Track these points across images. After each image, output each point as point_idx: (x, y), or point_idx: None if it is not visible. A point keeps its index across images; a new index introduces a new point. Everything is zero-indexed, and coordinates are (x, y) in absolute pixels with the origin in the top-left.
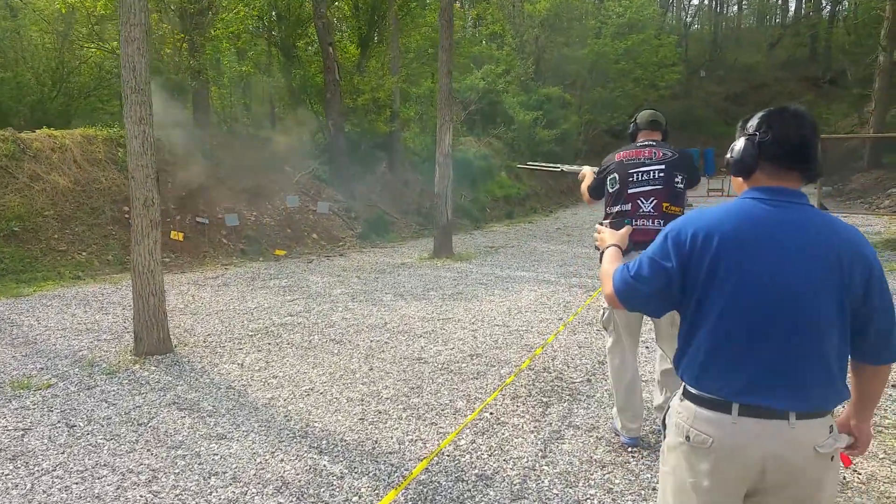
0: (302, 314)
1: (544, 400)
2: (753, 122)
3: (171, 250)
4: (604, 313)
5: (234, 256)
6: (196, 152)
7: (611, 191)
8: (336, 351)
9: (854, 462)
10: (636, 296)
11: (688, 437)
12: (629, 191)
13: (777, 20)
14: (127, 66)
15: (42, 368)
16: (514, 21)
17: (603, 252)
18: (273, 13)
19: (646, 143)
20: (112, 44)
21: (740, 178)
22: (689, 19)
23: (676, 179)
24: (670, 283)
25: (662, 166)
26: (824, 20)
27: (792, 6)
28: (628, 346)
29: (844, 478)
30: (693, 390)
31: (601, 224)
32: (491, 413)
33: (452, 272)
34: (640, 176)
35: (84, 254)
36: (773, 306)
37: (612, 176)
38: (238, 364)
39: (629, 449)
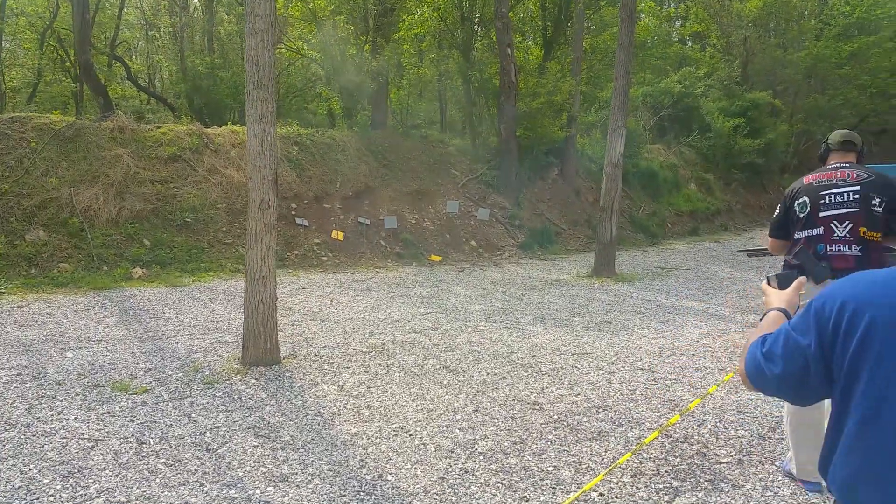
0: (427, 331)
1: (674, 484)
2: None
3: (330, 249)
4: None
5: (389, 259)
6: (368, 153)
7: (800, 215)
8: (446, 381)
9: None
10: (766, 379)
11: None
12: (821, 214)
13: None
14: (250, 59)
15: (150, 369)
16: (721, 20)
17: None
18: (457, 13)
19: (838, 165)
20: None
21: None
22: None
23: (874, 202)
24: (807, 367)
25: (858, 187)
26: None
27: None
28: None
29: None
30: (834, 488)
31: (769, 281)
32: (601, 494)
33: (608, 295)
34: (832, 198)
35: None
36: None
37: (800, 199)
38: (338, 386)
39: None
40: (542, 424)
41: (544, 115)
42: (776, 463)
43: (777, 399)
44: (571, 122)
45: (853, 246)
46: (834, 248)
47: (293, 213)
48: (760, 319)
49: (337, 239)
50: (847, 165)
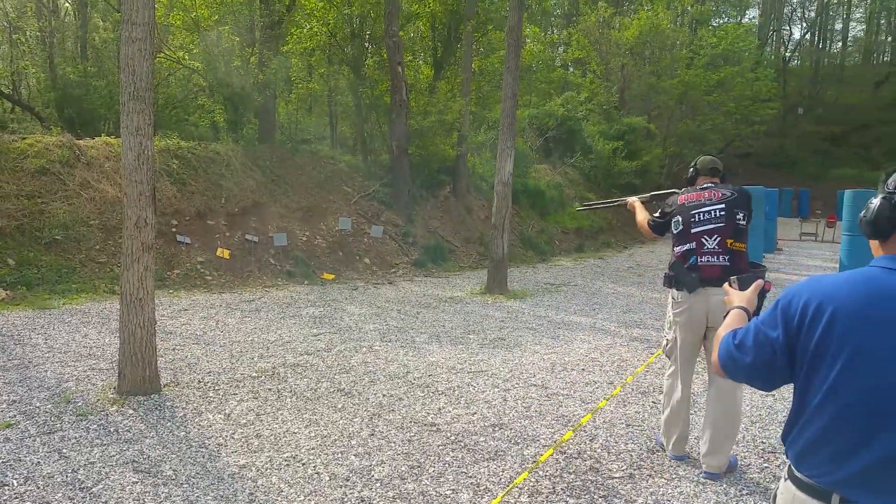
0: (320, 353)
1: (570, 502)
2: (893, 180)
3: (216, 268)
4: (667, 343)
5: (279, 278)
6: (255, 168)
7: (675, 232)
8: (340, 405)
9: None
10: (738, 366)
11: None
12: (692, 230)
13: (886, 58)
14: (126, 68)
15: (14, 401)
16: (601, 48)
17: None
18: (347, 30)
19: (706, 185)
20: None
21: (876, 242)
22: (787, 54)
23: (738, 217)
24: (774, 356)
25: (723, 205)
26: None
27: None
28: (682, 375)
29: None
30: (795, 471)
31: (730, 282)
32: None
33: (501, 312)
34: (701, 216)
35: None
36: (891, 393)
37: (675, 219)
38: (225, 414)
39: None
40: (439, 446)
41: (435, 134)
42: (663, 451)
43: (657, 413)
44: (462, 140)
45: (721, 256)
46: (704, 259)
47: (174, 230)
48: (724, 316)
49: (222, 257)
50: (712, 185)
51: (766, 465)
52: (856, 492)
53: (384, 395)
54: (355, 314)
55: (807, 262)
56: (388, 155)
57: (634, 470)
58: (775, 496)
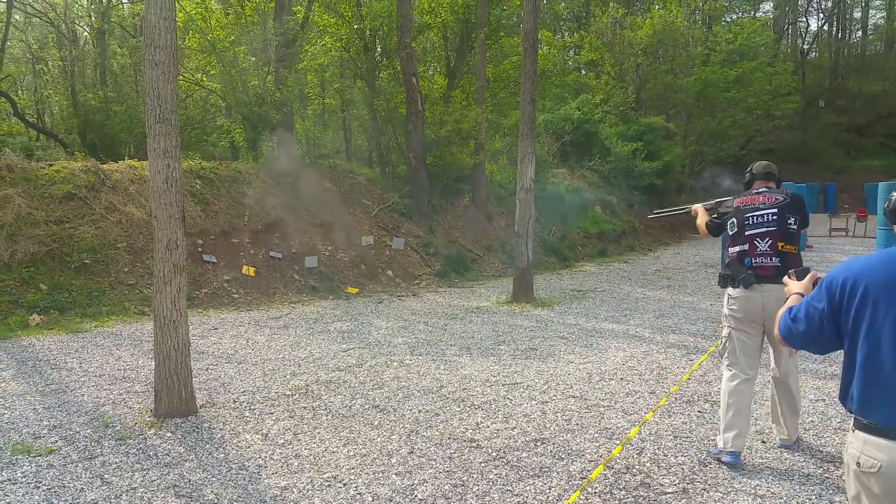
0: (352, 369)
1: None
2: None
3: (242, 286)
4: (723, 342)
5: (304, 293)
6: (275, 185)
7: (730, 233)
8: (377, 422)
9: None
10: (794, 335)
11: (858, 464)
12: (746, 233)
13: None
14: (151, 92)
15: (55, 426)
16: (614, 49)
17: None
18: (360, 44)
19: (760, 189)
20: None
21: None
22: (805, 46)
23: (789, 221)
24: (822, 323)
25: (776, 210)
26: None
27: None
28: (742, 369)
29: None
30: (863, 420)
31: (789, 275)
32: None
33: (530, 321)
34: (755, 219)
35: (152, 288)
36: None
37: (731, 221)
38: (262, 434)
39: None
40: (481, 463)
41: (452, 143)
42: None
43: (710, 423)
44: (479, 149)
45: (773, 258)
46: (758, 261)
47: (200, 249)
48: (786, 300)
49: (248, 275)
50: (766, 190)
51: (826, 476)
52: None
53: (420, 411)
54: (383, 328)
55: (839, 258)
56: (405, 166)
57: (688, 484)
58: (846, 450)
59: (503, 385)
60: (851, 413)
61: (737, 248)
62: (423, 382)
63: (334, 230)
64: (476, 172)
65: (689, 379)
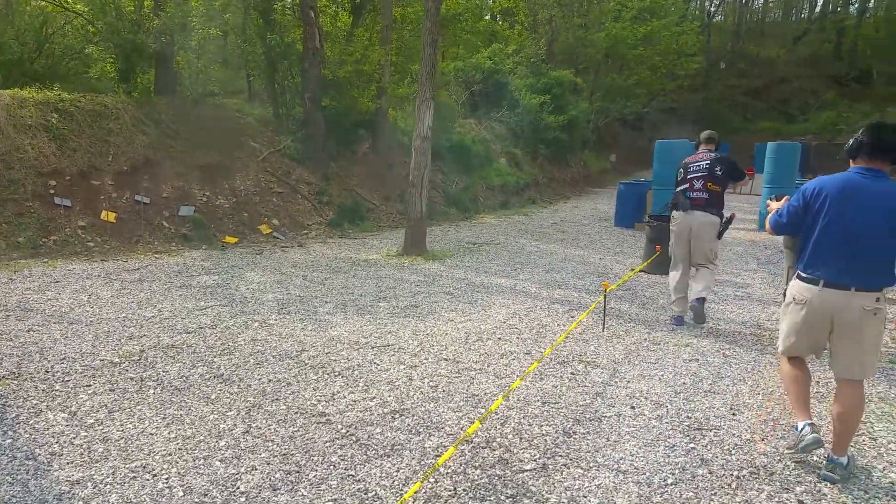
0: (203, 331)
1: None
2: (861, 131)
3: (99, 233)
4: (669, 246)
5: (172, 243)
6: (149, 123)
7: (679, 178)
8: (214, 396)
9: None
10: (780, 225)
11: (795, 299)
12: (688, 176)
13: (804, 14)
14: None
15: None
16: None
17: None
18: None
19: (702, 151)
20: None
21: (850, 160)
22: (712, 9)
23: (716, 169)
24: (798, 214)
25: (708, 162)
26: (852, 16)
27: (820, 0)
28: (679, 265)
29: None
30: (802, 273)
31: (771, 198)
32: None
33: (418, 275)
34: (695, 168)
35: None
36: (849, 233)
37: (680, 169)
38: (69, 413)
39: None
40: (326, 443)
41: (352, 85)
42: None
43: (581, 386)
44: (382, 93)
45: (703, 193)
46: (694, 194)
47: (52, 191)
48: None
49: (108, 220)
50: (707, 151)
51: (692, 445)
52: (831, 276)
53: (270, 380)
54: (254, 282)
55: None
56: (301, 108)
57: (548, 459)
58: (789, 291)
59: (373, 348)
60: (798, 269)
61: (682, 187)
62: (283, 346)
63: (215, 174)
64: (378, 118)
65: (567, 338)
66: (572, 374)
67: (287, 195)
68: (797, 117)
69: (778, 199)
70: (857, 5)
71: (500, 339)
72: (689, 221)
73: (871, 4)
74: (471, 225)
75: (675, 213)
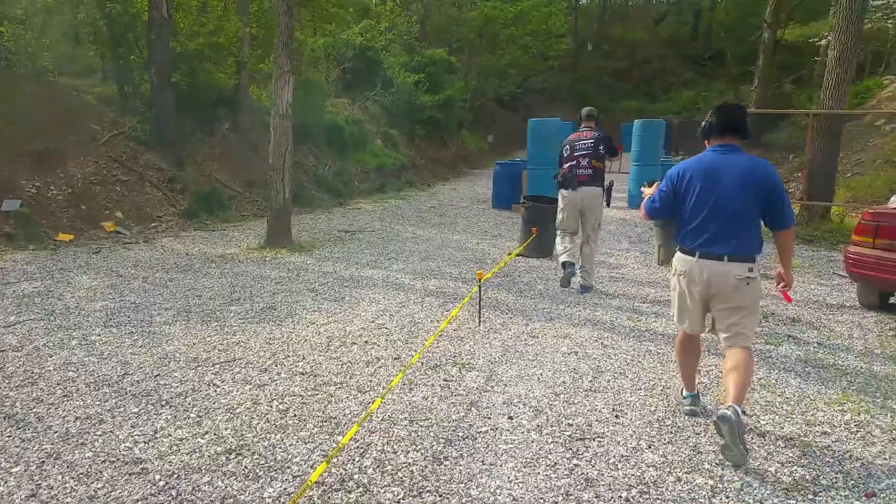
0: (5, 354)
1: None
2: (709, 113)
3: None
4: (560, 220)
5: None
6: None
7: (565, 155)
8: (0, 444)
9: None
10: (654, 209)
11: (677, 269)
12: (575, 154)
13: None
14: None
15: None
16: None
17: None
18: None
19: (584, 128)
20: None
21: (705, 141)
22: None
23: (599, 148)
24: (668, 198)
25: (592, 140)
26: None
27: None
28: (568, 234)
29: None
30: (682, 246)
31: (644, 185)
32: None
33: (281, 270)
34: (580, 146)
35: None
36: (716, 207)
37: (565, 146)
38: None
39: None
40: (136, 503)
41: (206, 59)
42: None
43: (454, 395)
44: (241, 68)
45: (588, 170)
46: (580, 171)
47: None
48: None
49: None
50: (588, 128)
51: (575, 461)
52: (704, 248)
53: (77, 418)
54: (83, 288)
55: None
56: (150, 85)
57: (413, 497)
58: (673, 263)
59: (214, 364)
60: (677, 243)
61: (569, 164)
62: (102, 369)
63: (46, 162)
64: (238, 96)
65: (440, 336)
66: (445, 380)
67: (133, 183)
68: (660, 96)
69: (650, 185)
70: None
71: (366, 342)
72: (578, 197)
73: None
74: (345, 211)
75: (563, 190)
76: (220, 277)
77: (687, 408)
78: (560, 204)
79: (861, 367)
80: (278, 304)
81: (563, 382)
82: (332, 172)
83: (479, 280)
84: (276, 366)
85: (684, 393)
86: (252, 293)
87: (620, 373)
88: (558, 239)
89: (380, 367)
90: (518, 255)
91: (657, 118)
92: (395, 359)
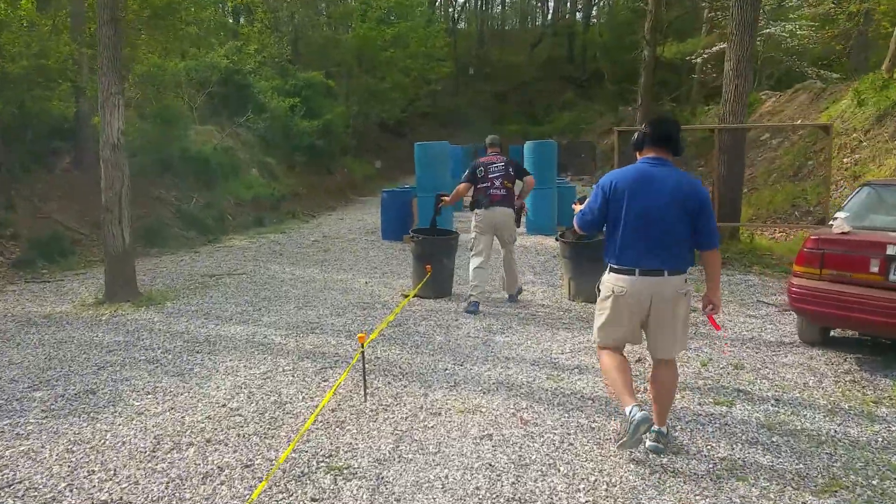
0: None
1: None
2: (645, 124)
3: None
4: (472, 240)
5: None
6: None
7: (479, 176)
8: None
9: None
10: (586, 223)
11: (613, 291)
12: (489, 176)
13: (538, 21)
14: None
15: None
16: None
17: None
18: None
19: (491, 153)
20: None
21: (637, 153)
22: (455, 15)
23: (510, 169)
24: (601, 209)
25: (503, 164)
26: (579, 23)
27: (552, 5)
28: (484, 256)
29: None
30: (616, 266)
31: (575, 202)
32: None
33: (118, 333)
34: (493, 169)
35: None
36: (648, 218)
37: (479, 168)
38: None
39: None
40: None
41: (34, 85)
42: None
43: None
44: (80, 94)
45: (501, 190)
46: (493, 191)
47: None
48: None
49: None
50: (495, 154)
51: None
52: (642, 264)
53: None
54: None
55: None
56: None
57: None
58: (599, 288)
59: None
60: (608, 263)
61: (483, 185)
62: None
63: None
64: (79, 125)
65: (314, 424)
66: (314, 500)
67: None
68: (541, 118)
69: (581, 203)
70: (582, 13)
71: (209, 441)
72: (492, 216)
73: (594, 12)
74: (214, 250)
75: (477, 210)
76: (37, 347)
77: (638, 415)
78: (474, 223)
79: (836, 432)
80: (101, 384)
81: (477, 490)
82: (199, 207)
83: (362, 345)
84: (69, 492)
85: (627, 409)
86: (70, 370)
87: (550, 464)
88: (473, 263)
89: (221, 484)
90: (415, 296)
91: (547, 139)
92: (246, 467)
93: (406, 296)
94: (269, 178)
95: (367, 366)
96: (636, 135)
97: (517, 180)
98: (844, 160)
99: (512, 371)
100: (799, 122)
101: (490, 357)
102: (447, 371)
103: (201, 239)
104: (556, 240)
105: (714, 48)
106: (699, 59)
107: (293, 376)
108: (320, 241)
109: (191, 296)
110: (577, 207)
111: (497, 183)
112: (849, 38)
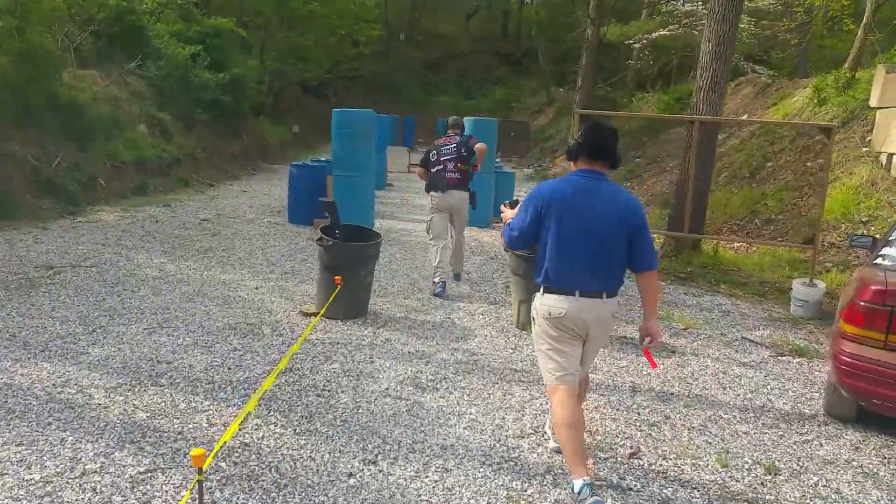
0: None
1: None
2: (580, 132)
3: None
4: (428, 223)
5: None
6: None
7: (433, 160)
8: None
9: None
10: (514, 239)
11: (551, 314)
12: (442, 159)
13: None
14: None
15: None
16: None
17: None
18: None
19: (449, 134)
20: None
21: (571, 163)
22: None
23: (462, 151)
24: (531, 227)
25: (455, 145)
26: None
27: None
28: (440, 241)
29: None
30: (553, 287)
31: (505, 205)
32: None
33: None
34: (446, 151)
35: None
36: (584, 236)
37: (433, 151)
38: None
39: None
40: None
41: None
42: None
43: None
44: None
45: (455, 173)
46: (447, 174)
47: None
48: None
49: None
50: (453, 134)
51: None
52: (584, 286)
53: None
54: None
55: (419, 201)
56: None
57: None
58: (533, 317)
59: None
60: (541, 284)
61: (437, 168)
62: None
63: None
64: None
65: None
66: None
67: None
68: (473, 92)
69: (511, 206)
70: None
71: None
72: (448, 200)
73: None
74: (70, 227)
75: (433, 192)
76: None
77: (591, 500)
78: (429, 205)
79: None
80: None
81: None
82: (62, 169)
83: (200, 470)
84: None
85: (576, 484)
86: None
87: None
88: (433, 250)
89: None
90: (323, 316)
91: (487, 116)
92: None
93: (307, 313)
94: (161, 137)
95: (222, 465)
96: (571, 143)
97: (475, 156)
98: (808, 164)
99: (452, 478)
100: (797, 121)
101: (418, 443)
102: (351, 478)
103: (59, 210)
104: (506, 251)
105: (654, 34)
106: (638, 45)
107: (93, 492)
108: (211, 220)
109: (4, 301)
110: (507, 212)
111: (450, 166)
112: (805, 33)
